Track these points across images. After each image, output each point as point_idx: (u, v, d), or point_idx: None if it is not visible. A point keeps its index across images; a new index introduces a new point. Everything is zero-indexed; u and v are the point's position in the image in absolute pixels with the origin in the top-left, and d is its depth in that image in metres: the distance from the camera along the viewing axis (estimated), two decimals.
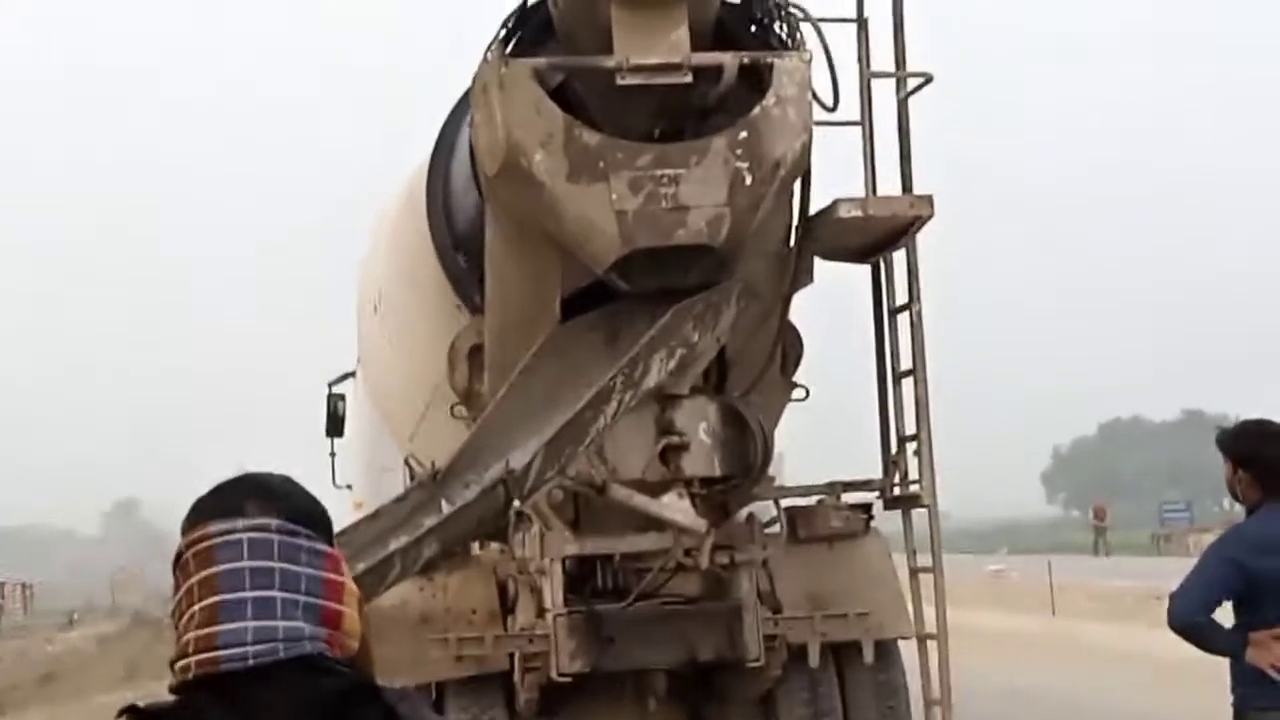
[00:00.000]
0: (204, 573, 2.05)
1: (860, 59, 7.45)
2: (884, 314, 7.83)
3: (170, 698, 2.06)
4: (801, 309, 7.79)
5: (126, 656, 29.43)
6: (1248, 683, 5.47)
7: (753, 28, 6.84)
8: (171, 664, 2.06)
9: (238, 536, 2.06)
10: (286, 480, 2.18)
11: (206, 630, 2.02)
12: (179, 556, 2.09)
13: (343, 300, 10.67)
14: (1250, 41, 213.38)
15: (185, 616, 2.05)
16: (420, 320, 8.42)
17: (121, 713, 2.00)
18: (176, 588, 2.09)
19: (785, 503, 7.71)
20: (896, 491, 7.83)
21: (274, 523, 2.08)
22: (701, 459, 6.93)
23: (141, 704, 2.04)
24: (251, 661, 2.00)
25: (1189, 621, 5.46)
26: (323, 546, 2.12)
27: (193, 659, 2.02)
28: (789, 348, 7.88)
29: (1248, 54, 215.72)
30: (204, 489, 2.18)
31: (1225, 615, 5.56)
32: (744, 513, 7.53)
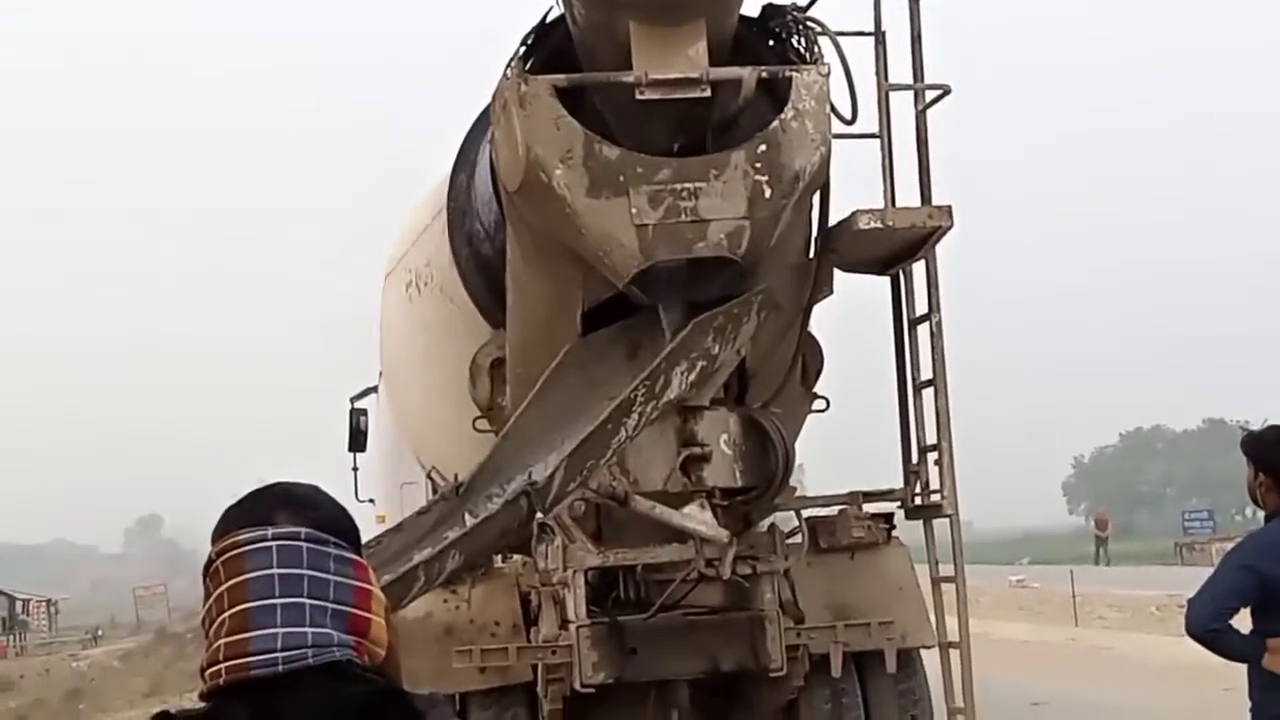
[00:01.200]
0: (234, 580, 2.07)
1: (878, 72, 7.47)
2: (904, 325, 7.86)
3: (200, 704, 2.09)
4: (822, 320, 7.82)
5: (150, 672, 29.54)
6: (1265, 688, 5.47)
7: (771, 42, 6.87)
8: (201, 670, 2.08)
9: (267, 544, 2.08)
10: (315, 489, 2.21)
11: (237, 637, 2.04)
12: (209, 564, 2.12)
13: (367, 314, 10.72)
14: None
15: (215, 623, 2.07)
16: (442, 335, 8.47)
17: (154, 718, 2.03)
18: (206, 595, 2.11)
19: (807, 513, 7.72)
20: (918, 501, 7.84)
21: (303, 531, 2.10)
22: (723, 470, 6.95)
23: (173, 710, 2.07)
24: (281, 668, 2.02)
25: (1206, 628, 5.46)
26: (350, 555, 2.14)
27: (223, 665, 2.04)
28: (809, 359, 7.91)
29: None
30: (225, 504, 2.21)
31: (1244, 621, 5.57)
32: (766, 523, 7.56)
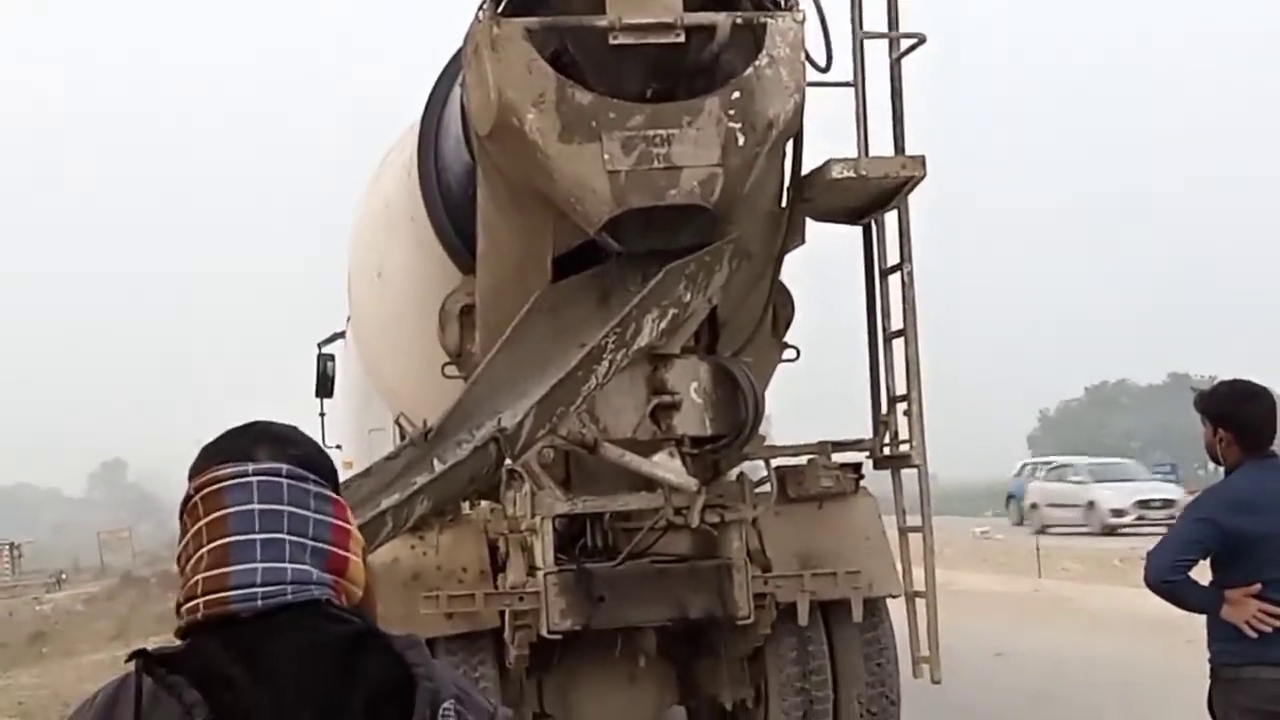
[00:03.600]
0: (214, 515, 2.05)
1: (853, 19, 7.42)
2: (875, 275, 7.85)
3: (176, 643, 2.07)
4: (793, 270, 7.81)
5: (115, 616, 29.51)
6: (1224, 639, 5.51)
7: None
8: (178, 606, 2.06)
9: (248, 479, 2.06)
10: (293, 429, 2.20)
11: (216, 571, 2.02)
12: (187, 500, 2.09)
13: (334, 260, 10.66)
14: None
15: (193, 559, 2.05)
16: (411, 280, 8.42)
17: (131, 656, 2.01)
18: (183, 532, 2.08)
19: (776, 462, 7.72)
20: (886, 451, 7.86)
21: (284, 467, 2.09)
22: (692, 418, 6.96)
23: (150, 648, 2.05)
24: (260, 603, 2.00)
25: (1165, 580, 5.50)
26: (329, 493, 2.13)
27: (201, 600, 2.02)
28: (780, 308, 7.90)
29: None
30: (190, 448, 2.19)
31: (1204, 573, 5.61)
32: (734, 472, 7.57)
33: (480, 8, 6.38)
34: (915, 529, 7.67)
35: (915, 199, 7.51)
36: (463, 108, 6.91)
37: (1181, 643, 9.20)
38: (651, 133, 6.23)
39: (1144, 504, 34.09)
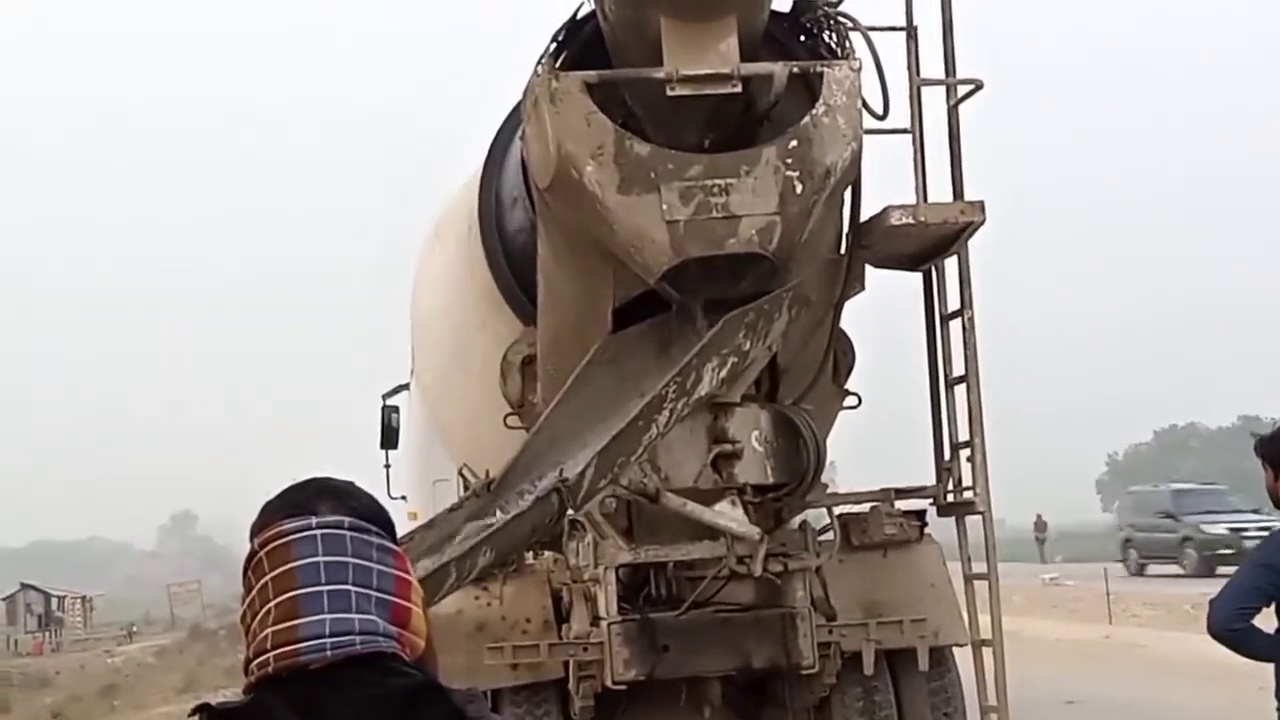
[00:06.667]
0: (280, 569, 2.07)
1: (910, 66, 7.44)
2: (935, 321, 7.83)
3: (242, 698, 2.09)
4: (853, 317, 7.80)
5: (184, 668, 29.72)
6: None
7: (802, 37, 6.85)
8: (247, 662, 2.08)
9: (312, 533, 2.08)
10: (351, 484, 2.22)
11: (286, 624, 2.03)
12: (251, 556, 2.11)
13: (398, 311, 10.75)
14: None
15: (261, 614, 2.06)
16: (474, 331, 8.47)
17: (194, 711, 2.03)
18: (248, 589, 2.10)
19: (838, 510, 7.70)
20: (950, 498, 7.81)
21: (346, 520, 2.11)
22: (754, 467, 6.94)
23: (214, 702, 2.07)
24: (329, 653, 2.01)
25: (1227, 628, 5.43)
26: (391, 545, 2.15)
27: (272, 654, 2.03)
28: (841, 355, 7.89)
29: None
30: (259, 501, 2.22)
31: (1269, 621, 5.53)
32: (797, 520, 7.54)
33: (539, 61, 6.45)
34: (981, 576, 7.61)
35: (976, 244, 7.50)
36: (522, 161, 6.96)
37: (1253, 690, 9.04)
38: (709, 182, 6.24)
39: None
